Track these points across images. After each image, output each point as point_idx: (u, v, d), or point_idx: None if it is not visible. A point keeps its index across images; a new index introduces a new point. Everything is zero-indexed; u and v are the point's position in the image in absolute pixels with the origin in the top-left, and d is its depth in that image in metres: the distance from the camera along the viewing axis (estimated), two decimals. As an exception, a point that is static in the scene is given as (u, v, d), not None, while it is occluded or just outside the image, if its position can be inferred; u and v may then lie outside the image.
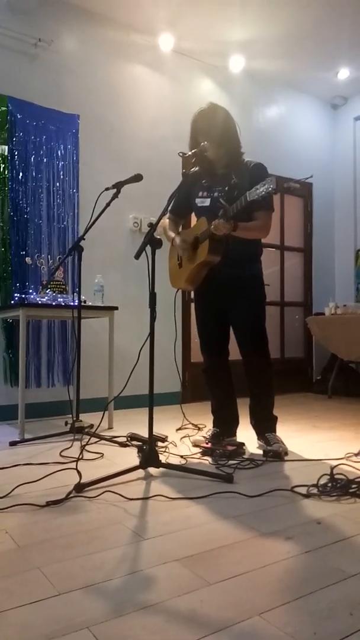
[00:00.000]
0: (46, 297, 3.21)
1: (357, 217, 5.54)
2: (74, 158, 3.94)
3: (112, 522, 1.67)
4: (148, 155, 4.31)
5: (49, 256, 3.78)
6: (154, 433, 2.23)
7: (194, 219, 2.77)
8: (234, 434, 2.78)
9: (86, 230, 2.93)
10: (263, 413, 2.69)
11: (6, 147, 3.64)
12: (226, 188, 2.55)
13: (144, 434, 2.49)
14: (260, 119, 5.16)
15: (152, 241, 2.16)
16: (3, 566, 1.36)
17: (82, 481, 2.00)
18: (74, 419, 3.03)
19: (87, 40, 4.08)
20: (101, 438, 2.88)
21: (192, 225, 2.81)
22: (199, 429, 3.17)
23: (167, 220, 2.77)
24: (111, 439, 2.85)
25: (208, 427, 2.93)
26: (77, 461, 2.31)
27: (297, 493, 1.94)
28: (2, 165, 3.63)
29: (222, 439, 2.69)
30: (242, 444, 2.60)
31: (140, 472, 2.19)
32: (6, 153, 3.64)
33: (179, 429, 3.20)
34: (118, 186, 2.69)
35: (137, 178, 2.58)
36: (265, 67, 4.91)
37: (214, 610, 1.14)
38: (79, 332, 3.13)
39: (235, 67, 4.79)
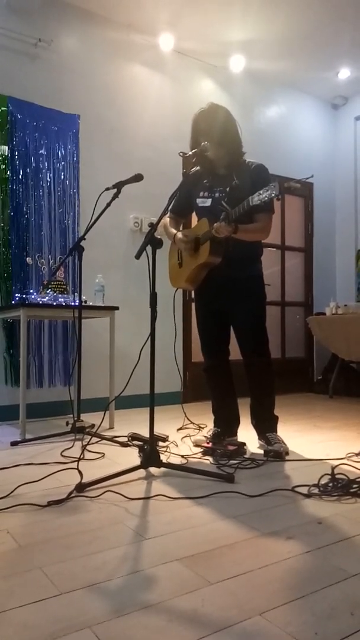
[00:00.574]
0: (47, 297, 3.21)
1: (358, 217, 5.54)
2: (75, 158, 3.95)
3: (113, 521, 1.67)
4: (148, 155, 4.31)
5: (50, 256, 3.79)
6: (155, 433, 2.23)
7: (194, 219, 2.77)
8: (235, 434, 2.78)
9: (87, 230, 2.93)
10: (264, 413, 2.69)
11: (6, 147, 3.64)
12: (227, 189, 2.55)
13: (145, 433, 2.49)
14: (260, 119, 5.16)
15: (152, 241, 2.16)
16: (4, 566, 1.36)
17: (83, 481, 2.00)
18: (75, 418, 3.03)
19: (87, 40, 4.08)
20: (102, 438, 2.88)
21: (192, 226, 2.81)
22: (200, 428, 3.17)
23: (168, 219, 2.77)
24: (112, 439, 2.85)
25: (209, 427, 2.93)
26: (78, 461, 2.31)
27: (298, 493, 1.94)
28: (3, 166, 3.63)
29: (223, 438, 2.69)
30: (243, 444, 2.60)
31: (141, 472, 2.19)
32: (6, 153, 3.64)
33: (180, 428, 3.20)
34: (118, 186, 2.69)
35: (138, 178, 2.58)
36: (266, 67, 4.91)
37: (215, 610, 1.14)
38: (80, 332, 3.13)
39: (236, 67, 4.79)
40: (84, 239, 2.98)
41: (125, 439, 2.83)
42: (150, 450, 2.17)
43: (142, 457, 2.21)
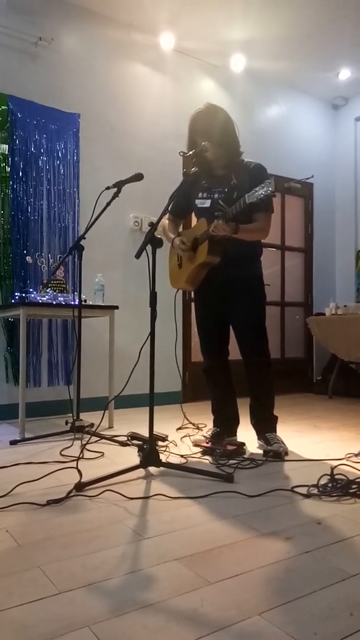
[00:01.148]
0: (47, 296, 3.21)
1: (358, 217, 5.54)
2: (75, 157, 3.94)
3: (112, 521, 1.67)
4: (149, 155, 4.31)
5: (50, 255, 3.78)
6: (154, 432, 2.23)
7: (194, 219, 2.77)
8: (235, 434, 2.78)
9: (87, 230, 2.93)
10: (263, 413, 2.69)
11: (7, 146, 3.63)
12: (226, 189, 2.55)
13: (145, 433, 2.49)
14: (261, 119, 5.16)
15: (152, 240, 2.16)
16: (3, 565, 1.36)
17: (82, 480, 2.00)
18: (75, 418, 3.03)
19: (87, 39, 4.08)
20: (101, 437, 2.87)
21: (192, 226, 2.81)
22: (199, 428, 3.17)
23: (167, 221, 2.77)
24: (111, 438, 2.85)
25: (208, 427, 2.92)
26: (77, 460, 2.31)
27: (298, 493, 1.94)
28: (3, 164, 3.63)
29: (223, 438, 2.69)
30: (243, 444, 2.60)
31: (140, 472, 2.19)
32: (7, 152, 3.63)
33: (179, 428, 3.20)
34: (119, 185, 2.69)
35: (138, 177, 2.58)
36: (266, 67, 4.91)
37: (214, 610, 1.13)
38: (80, 331, 3.13)
39: (236, 67, 4.78)
40: (84, 238, 2.98)
41: (125, 439, 2.83)
42: (149, 449, 2.17)
43: (142, 456, 2.20)
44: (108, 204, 2.73)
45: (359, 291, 5.47)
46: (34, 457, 2.52)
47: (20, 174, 3.68)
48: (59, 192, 3.85)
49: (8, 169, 3.63)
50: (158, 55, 4.44)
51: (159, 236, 2.21)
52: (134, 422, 3.38)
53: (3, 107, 3.62)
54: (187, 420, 3.29)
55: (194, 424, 3.25)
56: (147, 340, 2.20)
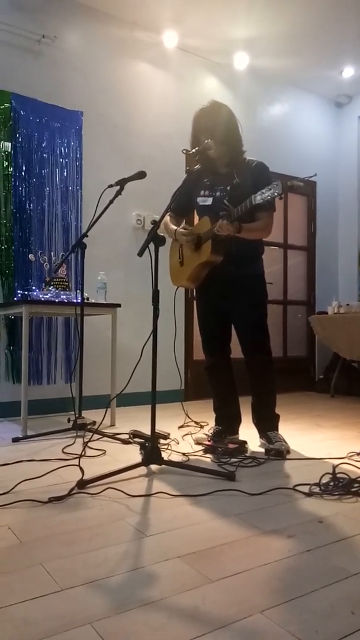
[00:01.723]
0: (49, 294, 3.21)
1: (361, 215, 5.53)
2: (78, 155, 3.94)
3: (114, 518, 1.67)
4: (151, 153, 4.31)
5: (52, 253, 3.78)
6: (156, 430, 2.23)
7: (195, 219, 2.77)
8: (236, 432, 2.78)
9: (89, 227, 2.93)
10: (265, 411, 2.69)
11: (9, 144, 3.63)
12: (228, 188, 2.55)
13: (146, 431, 2.49)
14: (264, 117, 5.14)
15: (155, 238, 2.16)
16: (5, 562, 1.36)
17: (84, 478, 2.01)
18: (77, 415, 3.03)
19: (91, 36, 4.08)
20: (103, 435, 2.88)
21: (194, 224, 2.80)
22: (201, 426, 3.17)
23: (168, 217, 2.76)
24: (113, 436, 2.85)
25: (210, 425, 2.93)
26: (79, 458, 2.32)
27: (299, 492, 1.94)
28: (5, 162, 3.63)
29: (224, 436, 2.69)
30: (244, 442, 2.60)
31: (142, 469, 2.20)
32: (9, 149, 3.63)
33: (181, 426, 3.21)
34: (121, 183, 2.69)
35: (141, 175, 2.57)
36: (270, 65, 4.90)
37: (215, 608, 1.14)
38: (82, 329, 3.13)
39: (240, 65, 4.77)
40: (87, 236, 2.98)
41: (127, 436, 2.83)
42: (151, 447, 2.17)
43: (144, 454, 2.21)
44: (111, 201, 2.72)
45: (362, 290, 5.46)
46: (36, 454, 2.53)
47: (23, 172, 3.68)
48: (62, 190, 3.85)
49: (10, 167, 3.63)
50: (161, 53, 4.43)
51: (162, 234, 2.21)
52: (136, 420, 3.38)
53: (6, 105, 3.62)
54: (189, 418, 3.30)
55: (195, 422, 3.25)
56: (149, 338, 2.20)
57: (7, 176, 3.63)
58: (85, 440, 2.75)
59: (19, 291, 3.46)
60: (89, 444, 2.65)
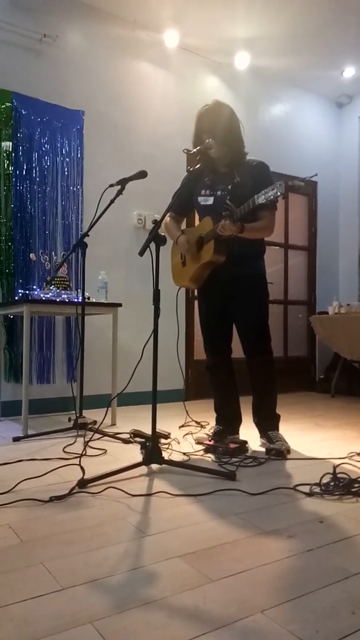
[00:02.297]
0: (50, 294, 3.21)
1: (362, 215, 5.52)
2: (79, 154, 3.94)
3: (115, 518, 1.68)
4: (152, 152, 4.31)
5: (53, 252, 3.79)
6: (157, 430, 2.23)
7: (196, 218, 2.77)
8: (237, 432, 2.78)
9: (90, 227, 2.93)
10: (266, 411, 2.69)
11: (10, 143, 3.64)
12: (229, 187, 2.55)
13: (147, 430, 2.49)
14: (265, 117, 5.14)
15: (156, 238, 2.16)
16: (6, 561, 1.36)
17: (85, 477, 2.01)
18: (77, 415, 3.03)
19: (92, 36, 4.08)
20: (104, 434, 2.88)
21: (196, 224, 2.80)
22: (202, 426, 3.17)
23: (169, 218, 2.76)
24: (114, 436, 2.85)
25: (211, 425, 2.93)
26: (80, 457, 2.32)
27: (300, 491, 1.94)
28: (7, 161, 3.63)
29: (225, 436, 2.69)
30: (245, 442, 2.60)
31: (143, 469, 2.20)
32: (10, 149, 3.64)
33: (182, 426, 3.21)
34: (122, 183, 2.69)
35: (142, 175, 2.57)
36: (271, 65, 4.90)
37: (216, 607, 1.14)
38: (83, 328, 3.13)
39: (241, 65, 4.77)
40: (88, 235, 2.98)
41: (127, 436, 2.83)
42: (152, 447, 2.17)
43: (144, 454, 2.21)
44: (112, 201, 2.73)
45: (363, 290, 5.46)
46: (36, 453, 2.53)
47: (24, 171, 3.68)
48: (63, 189, 3.86)
49: (11, 167, 3.63)
50: (162, 53, 4.43)
51: (163, 234, 2.21)
52: (136, 419, 3.38)
53: (7, 104, 3.62)
54: (190, 418, 3.30)
55: (196, 422, 3.25)
56: (150, 337, 2.20)
57: (8, 175, 3.63)
58: (86, 439, 2.75)
59: (20, 290, 3.46)
60: (90, 444, 2.65)
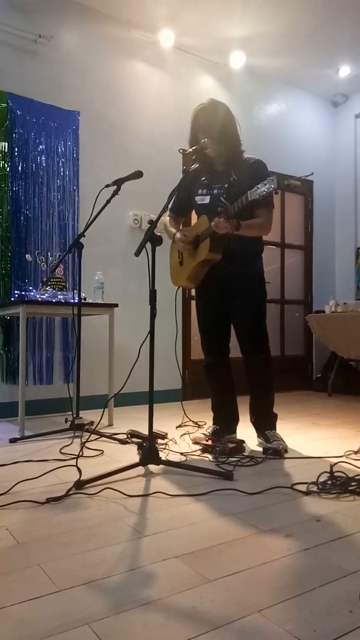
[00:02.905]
0: (46, 294, 3.21)
1: (358, 215, 5.53)
2: (74, 155, 3.94)
3: (112, 519, 1.67)
4: (148, 152, 4.31)
5: (49, 253, 3.78)
6: (154, 430, 2.23)
7: (194, 217, 2.76)
8: (234, 432, 2.78)
9: (86, 227, 2.93)
10: (263, 410, 2.69)
11: (6, 144, 3.63)
12: (226, 185, 2.55)
13: (144, 431, 2.49)
14: (260, 116, 5.15)
15: (152, 238, 2.16)
16: (3, 563, 1.36)
17: (82, 478, 2.00)
18: (74, 416, 3.03)
19: (87, 36, 4.07)
20: (101, 435, 2.88)
21: (192, 224, 2.80)
22: (199, 426, 3.17)
23: (167, 218, 2.77)
24: (111, 436, 2.85)
25: (208, 425, 2.93)
26: (77, 458, 2.31)
27: (297, 490, 1.94)
28: (2, 162, 3.62)
29: (222, 436, 2.69)
30: (242, 442, 2.60)
31: (140, 469, 2.19)
32: (6, 149, 3.63)
33: (179, 426, 3.21)
34: (118, 183, 2.69)
35: (138, 175, 2.57)
36: (266, 64, 4.90)
37: (214, 607, 1.14)
38: (79, 329, 3.13)
39: (236, 64, 4.77)
40: (84, 235, 2.98)
41: (124, 436, 2.83)
42: (149, 447, 2.17)
43: (141, 454, 2.21)
44: (108, 201, 2.72)
45: (359, 288, 5.47)
46: (33, 455, 2.53)
47: (20, 172, 3.68)
48: (59, 189, 3.85)
49: (7, 167, 3.62)
50: (157, 53, 4.43)
51: (159, 234, 2.21)
52: (133, 419, 3.38)
53: (2, 105, 3.61)
54: (187, 417, 3.29)
55: (193, 422, 3.25)
56: (146, 337, 2.20)
57: (3, 176, 3.62)
58: (83, 440, 2.75)
59: (16, 291, 3.45)
60: (87, 444, 2.64)
